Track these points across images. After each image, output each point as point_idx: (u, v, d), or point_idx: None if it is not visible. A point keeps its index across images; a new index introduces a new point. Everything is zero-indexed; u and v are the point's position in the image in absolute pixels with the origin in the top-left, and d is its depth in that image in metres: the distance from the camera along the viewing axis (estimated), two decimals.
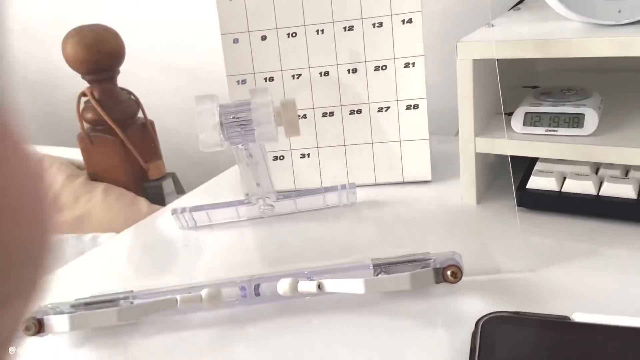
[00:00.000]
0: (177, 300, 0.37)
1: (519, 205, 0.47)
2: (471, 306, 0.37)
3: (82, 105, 0.76)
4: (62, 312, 0.37)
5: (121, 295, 0.39)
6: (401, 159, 0.55)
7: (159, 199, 0.77)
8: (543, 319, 0.32)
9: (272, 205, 0.51)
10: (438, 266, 0.36)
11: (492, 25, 0.48)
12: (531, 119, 0.46)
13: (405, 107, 0.54)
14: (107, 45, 0.70)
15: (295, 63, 0.55)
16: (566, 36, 0.40)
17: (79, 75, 0.75)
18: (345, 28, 0.53)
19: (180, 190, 0.80)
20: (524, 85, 0.57)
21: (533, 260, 0.41)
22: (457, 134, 0.48)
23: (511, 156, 0.46)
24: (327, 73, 0.55)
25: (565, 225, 0.45)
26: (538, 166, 0.47)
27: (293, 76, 0.55)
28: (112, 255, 0.51)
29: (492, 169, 0.52)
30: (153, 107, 0.83)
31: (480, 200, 0.50)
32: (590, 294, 0.37)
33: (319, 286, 0.36)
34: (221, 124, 0.42)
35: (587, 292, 0.37)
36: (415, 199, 0.53)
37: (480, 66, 0.45)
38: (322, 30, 0.54)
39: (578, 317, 0.32)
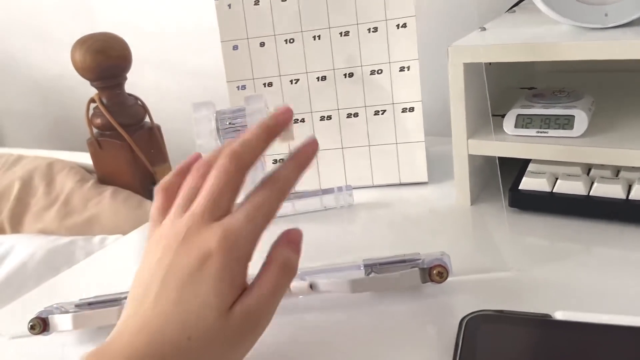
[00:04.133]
0: None
1: (512, 206, 0.48)
2: (459, 305, 0.37)
3: (91, 111, 0.78)
4: (66, 312, 0.39)
5: (123, 295, 0.40)
6: (398, 161, 0.56)
7: None
8: (524, 317, 0.33)
9: None
10: (425, 266, 0.37)
11: (484, 29, 0.49)
12: (522, 121, 0.47)
13: (401, 110, 0.55)
14: (114, 52, 0.73)
15: (293, 68, 0.56)
16: (553, 40, 0.41)
17: (88, 82, 0.77)
18: (341, 33, 0.55)
19: None
20: (522, 87, 0.57)
21: (523, 260, 0.41)
22: None
23: (506, 157, 0.47)
24: (324, 78, 0.56)
25: (556, 226, 0.45)
26: (531, 167, 0.48)
27: (291, 81, 0.57)
28: (118, 256, 0.53)
29: (485, 170, 0.52)
30: (159, 112, 0.85)
31: (475, 201, 0.51)
32: (576, 293, 0.37)
33: (311, 286, 0.38)
34: (218, 129, 0.43)
35: (573, 290, 0.37)
36: (411, 201, 0.54)
37: (472, 69, 0.46)
38: (319, 36, 0.55)
39: (560, 315, 0.33)
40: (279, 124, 0.35)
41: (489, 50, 0.43)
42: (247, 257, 0.30)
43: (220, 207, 0.30)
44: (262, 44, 0.56)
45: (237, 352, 0.30)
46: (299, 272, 0.40)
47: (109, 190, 0.76)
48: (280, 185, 0.32)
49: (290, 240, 0.33)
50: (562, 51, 0.40)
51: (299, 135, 0.57)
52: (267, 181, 0.32)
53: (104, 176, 0.80)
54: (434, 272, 0.36)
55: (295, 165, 0.34)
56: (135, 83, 0.81)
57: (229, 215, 0.30)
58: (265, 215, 0.31)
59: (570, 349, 0.31)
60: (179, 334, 0.27)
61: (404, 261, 0.39)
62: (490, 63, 0.48)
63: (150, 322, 0.28)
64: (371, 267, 0.39)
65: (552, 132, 0.46)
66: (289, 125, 0.45)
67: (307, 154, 0.35)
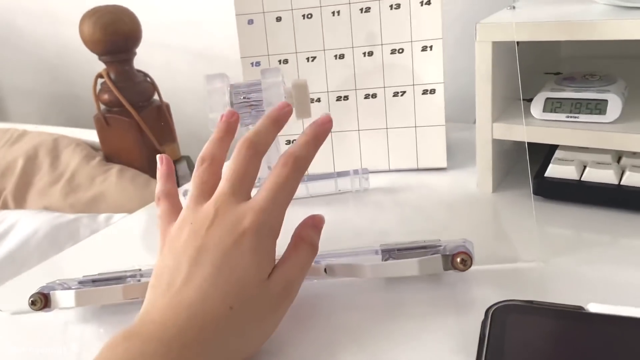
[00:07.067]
0: None
1: (536, 194, 0.46)
2: (482, 295, 0.36)
3: (98, 87, 0.76)
4: (69, 288, 0.37)
5: (129, 273, 0.39)
6: (416, 145, 0.54)
7: None
8: (556, 308, 0.31)
9: None
10: (447, 253, 0.35)
11: (514, 8, 0.47)
12: (552, 105, 0.44)
13: (422, 92, 0.53)
14: (124, 26, 0.70)
15: (310, 45, 0.54)
16: (590, 18, 0.39)
17: (96, 57, 0.75)
18: (361, 9, 0.52)
19: None
20: (546, 72, 0.55)
21: (548, 250, 0.39)
22: (475, 121, 0.47)
23: (530, 143, 0.45)
24: (342, 56, 0.54)
25: (584, 216, 0.43)
26: (557, 154, 0.46)
27: (308, 59, 0.54)
28: (124, 234, 0.52)
29: (509, 156, 0.50)
30: (169, 90, 0.83)
31: (497, 188, 0.48)
32: (606, 286, 0.35)
33: (326, 270, 0.36)
34: (231, 104, 0.41)
35: (603, 283, 0.35)
36: (430, 186, 0.52)
37: (500, 49, 0.44)
38: (338, 12, 0.53)
39: (593, 307, 0.31)
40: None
41: (521, 28, 0.41)
42: (276, 233, 0.33)
43: (243, 189, 0.33)
44: (279, 19, 0.54)
45: (275, 317, 0.32)
46: None
47: (115, 168, 0.74)
48: (299, 163, 0.34)
49: (315, 224, 0.36)
50: (603, 30, 0.38)
51: (314, 114, 0.55)
52: (285, 160, 0.34)
53: (111, 154, 0.78)
54: (457, 259, 0.34)
55: (310, 142, 0.35)
56: (144, 60, 0.79)
57: (256, 195, 0.33)
58: (287, 194, 0.33)
59: (605, 343, 0.29)
60: (220, 304, 0.29)
61: (423, 247, 0.37)
62: (518, 43, 0.46)
63: (185, 298, 0.29)
64: (389, 252, 0.37)
65: (582, 117, 0.43)
66: (306, 101, 0.43)
67: (321, 130, 0.36)
